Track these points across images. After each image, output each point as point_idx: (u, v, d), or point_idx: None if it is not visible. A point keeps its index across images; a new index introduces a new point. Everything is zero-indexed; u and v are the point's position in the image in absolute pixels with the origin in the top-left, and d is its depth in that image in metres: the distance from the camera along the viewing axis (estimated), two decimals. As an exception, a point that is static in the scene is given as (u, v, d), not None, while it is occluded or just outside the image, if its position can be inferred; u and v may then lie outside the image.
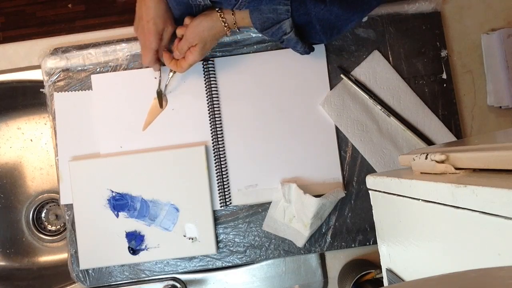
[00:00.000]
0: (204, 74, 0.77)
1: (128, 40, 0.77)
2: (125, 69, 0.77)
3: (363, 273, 0.71)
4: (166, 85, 0.76)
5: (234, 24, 0.69)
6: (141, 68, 0.77)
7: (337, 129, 0.77)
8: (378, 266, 0.74)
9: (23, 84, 0.82)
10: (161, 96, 0.76)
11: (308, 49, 0.71)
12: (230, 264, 0.76)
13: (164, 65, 0.73)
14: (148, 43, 0.68)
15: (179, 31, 0.70)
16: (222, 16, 0.67)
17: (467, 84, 0.80)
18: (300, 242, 0.74)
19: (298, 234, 0.74)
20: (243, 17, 0.68)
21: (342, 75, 0.77)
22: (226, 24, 0.68)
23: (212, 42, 0.70)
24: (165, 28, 0.68)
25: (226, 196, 0.75)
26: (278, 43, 0.72)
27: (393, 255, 0.46)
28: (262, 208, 0.76)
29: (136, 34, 0.71)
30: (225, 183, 0.75)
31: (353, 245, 0.76)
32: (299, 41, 0.67)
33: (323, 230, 0.75)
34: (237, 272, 0.78)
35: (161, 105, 0.76)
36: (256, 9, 0.65)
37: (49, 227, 0.96)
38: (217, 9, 0.68)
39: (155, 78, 0.77)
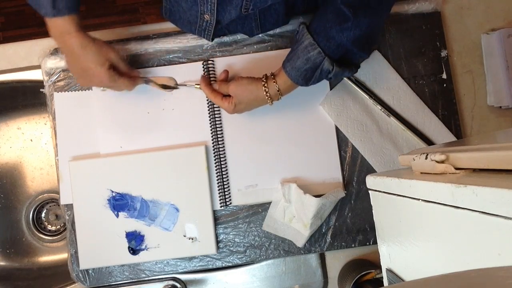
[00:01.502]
0: (204, 74, 0.77)
1: (127, 40, 0.77)
2: (125, 69, 0.77)
3: (363, 273, 0.71)
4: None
5: (278, 91, 0.67)
6: (140, 68, 0.77)
7: (337, 129, 0.77)
8: (378, 266, 0.74)
9: (23, 84, 0.82)
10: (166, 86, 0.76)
11: (355, 69, 0.68)
12: (230, 264, 0.76)
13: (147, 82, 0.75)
14: (111, 81, 0.67)
15: (235, 81, 0.69)
16: (265, 86, 0.67)
17: (467, 84, 0.80)
18: (300, 242, 0.74)
19: (298, 234, 0.74)
20: (284, 81, 0.66)
21: (342, 75, 0.77)
22: (268, 95, 0.67)
23: (248, 106, 0.70)
24: (109, 58, 0.66)
25: (226, 196, 0.75)
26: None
27: (393, 255, 0.46)
28: (262, 208, 0.76)
29: (94, 85, 0.69)
30: (225, 183, 0.75)
31: (353, 245, 0.75)
32: (345, 69, 0.65)
33: (323, 230, 0.75)
34: (237, 272, 0.78)
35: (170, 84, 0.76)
36: (292, 68, 0.64)
37: (49, 227, 0.96)
38: (262, 78, 0.68)
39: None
